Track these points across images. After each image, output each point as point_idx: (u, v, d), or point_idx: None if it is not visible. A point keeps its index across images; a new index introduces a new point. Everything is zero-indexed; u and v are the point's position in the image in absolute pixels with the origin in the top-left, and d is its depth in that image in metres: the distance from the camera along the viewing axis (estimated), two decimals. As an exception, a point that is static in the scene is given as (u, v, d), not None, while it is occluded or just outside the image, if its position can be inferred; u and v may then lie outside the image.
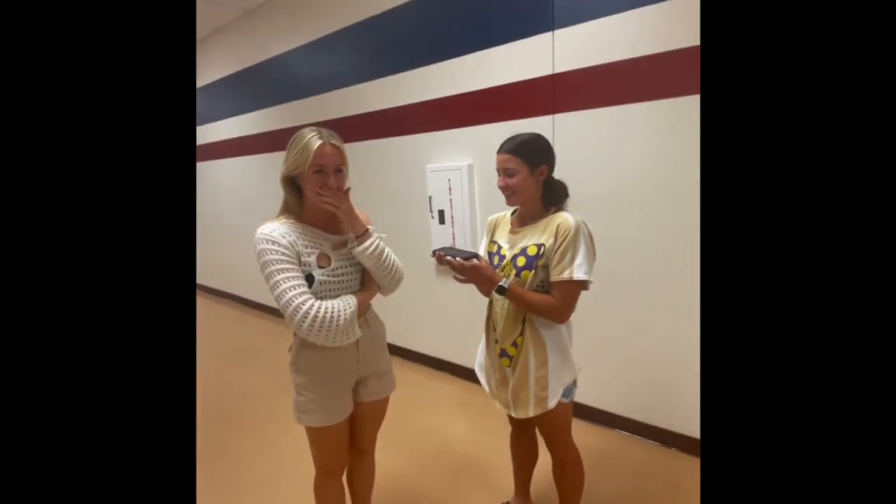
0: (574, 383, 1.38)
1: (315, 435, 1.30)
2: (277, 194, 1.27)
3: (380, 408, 1.42)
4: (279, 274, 1.13)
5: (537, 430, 1.54)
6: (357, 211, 1.25)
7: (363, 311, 1.28)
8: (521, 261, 1.29)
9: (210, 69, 4.65)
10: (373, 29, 2.88)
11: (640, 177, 1.97)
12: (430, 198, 2.77)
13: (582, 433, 2.18)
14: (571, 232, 1.23)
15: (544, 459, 1.57)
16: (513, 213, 1.44)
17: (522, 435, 1.62)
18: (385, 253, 1.27)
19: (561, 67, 2.10)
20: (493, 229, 1.48)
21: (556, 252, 1.24)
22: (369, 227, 1.26)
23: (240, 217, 4.71)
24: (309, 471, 1.42)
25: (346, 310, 1.16)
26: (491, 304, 1.43)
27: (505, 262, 1.34)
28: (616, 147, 2.01)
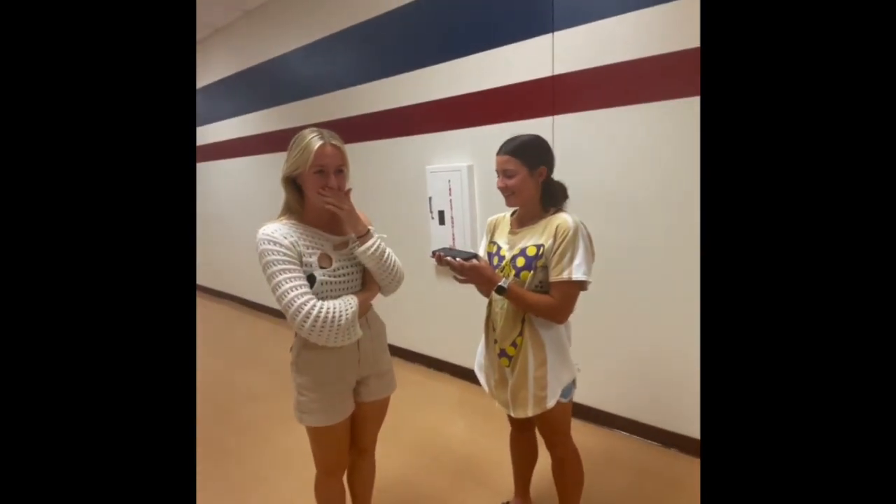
0: (573, 383, 1.39)
1: (316, 435, 1.31)
2: (278, 195, 1.27)
3: (380, 408, 1.43)
4: (281, 274, 1.14)
5: (537, 430, 1.55)
6: (357, 211, 1.26)
7: (364, 311, 1.29)
8: (520, 261, 1.30)
9: (210, 70, 4.65)
10: (372, 30, 2.89)
11: (639, 178, 1.97)
12: (429, 199, 2.78)
13: (581, 433, 2.19)
14: (570, 233, 1.24)
15: (544, 459, 1.57)
16: (512, 214, 1.44)
17: (522, 435, 1.62)
18: (386, 253, 1.28)
19: (560, 69, 2.11)
20: (492, 230, 1.48)
21: (555, 253, 1.25)
22: (370, 227, 1.27)
23: (240, 218, 4.71)
24: (309, 470, 1.42)
25: (347, 310, 1.17)
26: (490, 304, 1.44)
27: (504, 262, 1.34)
28: (615, 148, 2.01)
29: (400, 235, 2.89)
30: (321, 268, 1.21)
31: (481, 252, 1.47)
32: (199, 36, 4.54)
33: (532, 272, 1.28)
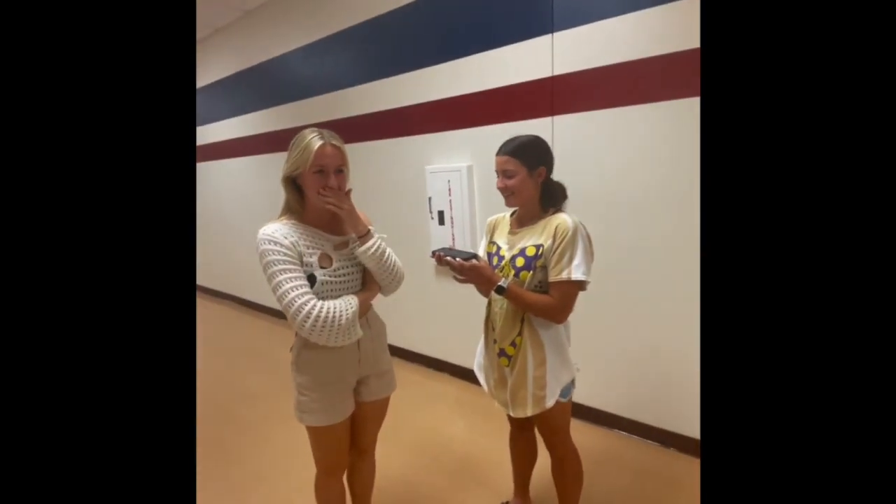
0: (572, 383, 1.39)
1: (316, 434, 1.31)
2: (278, 195, 1.28)
3: (380, 407, 1.43)
4: (281, 274, 1.14)
5: (536, 430, 1.55)
6: (357, 211, 1.26)
7: (364, 311, 1.29)
8: (519, 261, 1.30)
9: (210, 69, 4.65)
10: (372, 30, 2.89)
11: (638, 178, 1.97)
12: (429, 199, 2.78)
13: (581, 433, 2.19)
14: (569, 233, 1.24)
15: (543, 459, 1.57)
16: (512, 215, 1.45)
17: (521, 434, 1.62)
18: (386, 253, 1.28)
19: (560, 69, 2.11)
20: (492, 230, 1.49)
21: (554, 253, 1.25)
22: (370, 227, 1.27)
23: (240, 217, 4.71)
24: (309, 470, 1.43)
25: (347, 310, 1.17)
26: (490, 304, 1.44)
27: (504, 262, 1.35)
28: (614, 149, 2.02)
29: (400, 235, 2.89)
30: (321, 268, 1.21)
31: (481, 252, 1.48)
32: (199, 36, 4.54)
33: (531, 272, 1.28)
